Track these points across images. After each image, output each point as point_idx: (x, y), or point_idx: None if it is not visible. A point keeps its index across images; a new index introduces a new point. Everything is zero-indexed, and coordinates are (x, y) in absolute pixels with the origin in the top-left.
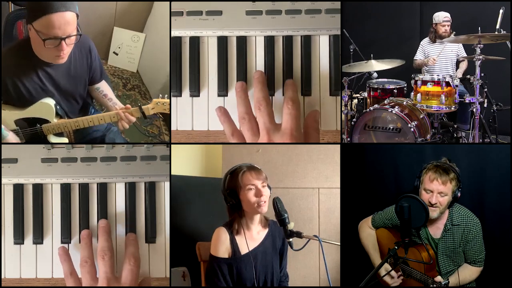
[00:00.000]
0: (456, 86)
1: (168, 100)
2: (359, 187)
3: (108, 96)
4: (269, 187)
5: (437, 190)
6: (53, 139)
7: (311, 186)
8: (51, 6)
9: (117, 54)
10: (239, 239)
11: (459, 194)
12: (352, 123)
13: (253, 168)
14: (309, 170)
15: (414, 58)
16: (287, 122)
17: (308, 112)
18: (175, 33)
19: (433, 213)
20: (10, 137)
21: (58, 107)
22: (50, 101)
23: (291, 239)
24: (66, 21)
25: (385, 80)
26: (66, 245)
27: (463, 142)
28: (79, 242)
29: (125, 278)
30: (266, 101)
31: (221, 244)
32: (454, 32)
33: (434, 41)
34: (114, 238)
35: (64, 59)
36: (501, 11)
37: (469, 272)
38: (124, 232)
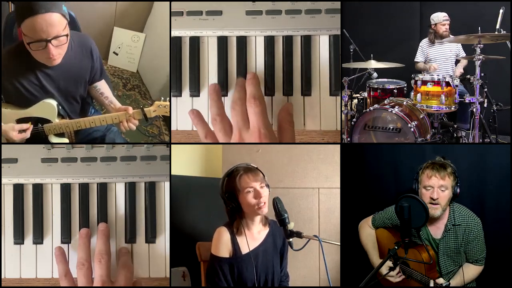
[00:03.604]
0: (456, 86)
1: (169, 103)
2: (359, 187)
3: (105, 95)
4: (268, 186)
5: (437, 185)
6: (54, 139)
7: (311, 186)
8: (31, 8)
9: (117, 54)
10: (240, 239)
11: (458, 190)
12: (352, 123)
13: (250, 169)
14: (309, 170)
15: (415, 59)
16: (253, 121)
17: (282, 105)
18: (175, 33)
19: (436, 211)
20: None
21: (60, 108)
22: (53, 102)
23: (291, 239)
24: (48, 23)
25: (385, 80)
26: (66, 245)
27: (463, 142)
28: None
29: (120, 283)
30: (241, 101)
31: (222, 244)
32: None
33: (433, 42)
34: (114, 239)
35: (57, 60)
36: (501, 11)
37: (472, 272)
38: (124, 235)
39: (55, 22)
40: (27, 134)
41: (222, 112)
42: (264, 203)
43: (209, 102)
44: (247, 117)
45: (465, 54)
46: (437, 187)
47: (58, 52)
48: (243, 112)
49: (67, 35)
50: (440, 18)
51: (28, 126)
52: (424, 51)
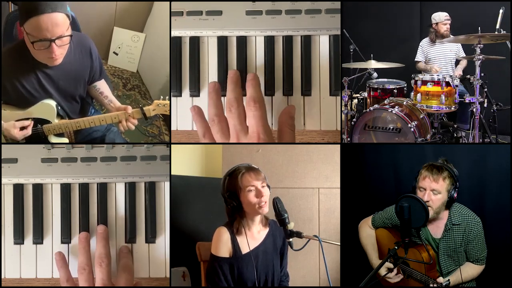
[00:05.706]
0: (456, 86)
1: (169, 102)
2: (359, 187)
3: (104, 94)
4: (269, 187)
5: (429, 188)
6: (54, 139)
7: (311, 186)
8: (37, 8)
9: (117, 54)
10: (240, 239)
11: (455, 195)
12: (352, 123)
13: (252, 168)
14: (309, 170)
15: (416, 59)
16: (253, 125)
17: (284, 108)
18: (175, 33)
19: None
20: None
21: (59, 108)
22: (52, 102)
23: (291, 239)
24: (54, 22)
25: (385, 80)
26: (66, 245)
27: (463, 142)
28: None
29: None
30: (237, 103)
31: (222, 244)
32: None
33: (434, 42)
34: (114, 239)
35: (58, 60)
36: (501, 11)
37: (471, 270)
38: (124, 235)
39: (60, 22)
40: (29, 131)
41: (221, 112)
42: (265, 202)
43: (208, 100)
44: (244, 120)
45: (464, 54)
46: (429, 190)
47: (60, 52)
48: (239, 115)
49: (70, 36)
50: (441, 18)
51: (29, 123)
52: (424, 51)
